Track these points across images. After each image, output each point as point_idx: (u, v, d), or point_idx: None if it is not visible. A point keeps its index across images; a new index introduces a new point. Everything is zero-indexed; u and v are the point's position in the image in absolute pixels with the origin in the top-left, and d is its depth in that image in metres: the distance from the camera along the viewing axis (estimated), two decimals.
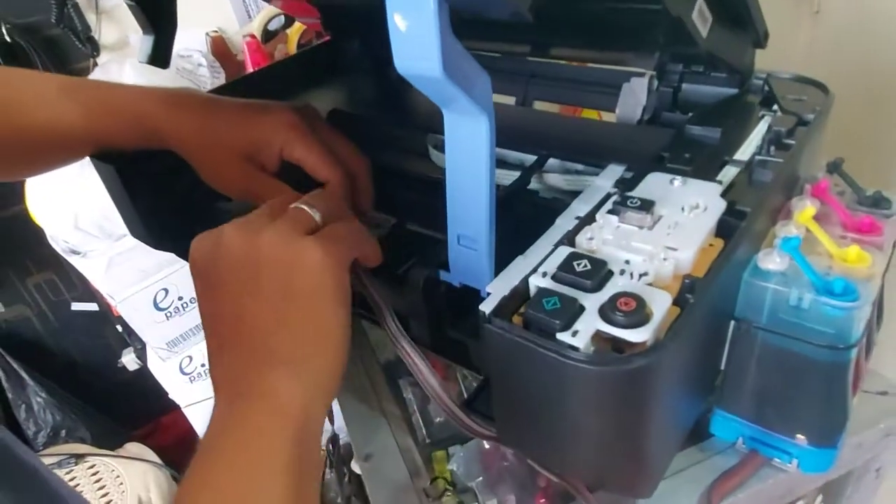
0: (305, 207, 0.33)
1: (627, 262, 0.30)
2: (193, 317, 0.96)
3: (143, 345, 1.04)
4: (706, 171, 0.39)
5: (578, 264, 0.30)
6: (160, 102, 0.45)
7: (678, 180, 0.36)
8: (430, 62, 0.27)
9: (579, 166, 0.51)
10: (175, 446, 1.28)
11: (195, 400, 1.01)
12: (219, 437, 0.30)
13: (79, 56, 1.11)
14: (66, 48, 1.10)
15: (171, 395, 1.02)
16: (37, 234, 0.95)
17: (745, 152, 0.40)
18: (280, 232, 0.31)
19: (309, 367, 0.31)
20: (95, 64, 1.11)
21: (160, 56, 0.48)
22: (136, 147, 0.47)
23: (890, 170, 0.70)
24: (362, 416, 0.61)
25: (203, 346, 0.98)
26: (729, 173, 0.38)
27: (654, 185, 0.36)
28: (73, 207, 0.86)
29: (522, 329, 0.28)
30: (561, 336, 0.27)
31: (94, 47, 1.10)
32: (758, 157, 0.39)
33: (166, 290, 0.90)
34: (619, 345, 0.27)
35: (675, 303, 0.28)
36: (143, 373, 1.15)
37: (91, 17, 1.09)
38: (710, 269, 0.30)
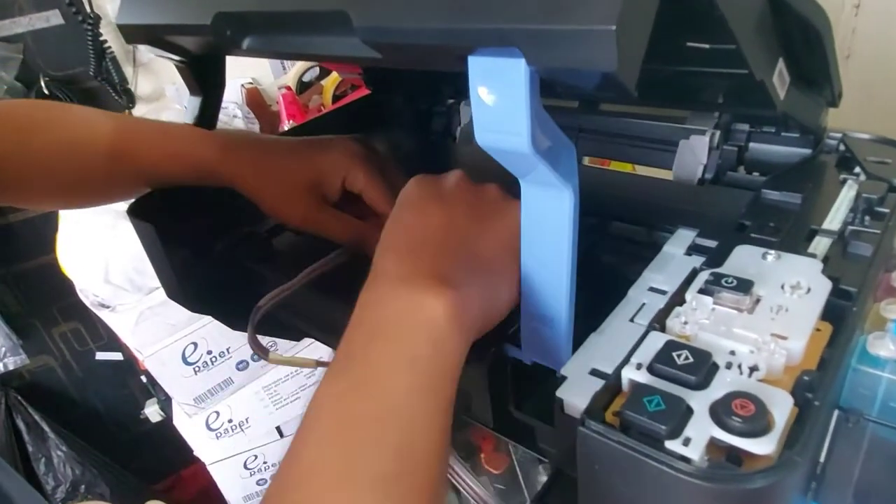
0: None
1: (733, 352, 0.27)
2: (222, 371, 0.93)
3: (167, 396, 1.01)
4: (795, 242, 0.36)
5: (679, 355, 0.27)
6: (218, 146, 0.46)
7: (771, 255, 0.33)
8: (519, 137, 0.25)
9: (640, 229, 0.49)
10: (196, 501, 1.24)
11: (221, 457, 0.97)
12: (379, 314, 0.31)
13: (115, 107, 1.12)
14: (103, 99, 1.12)
15: (196, 452, 0.99)
16: (65, 284, 0.94)
17: (833, 221, 0.37)
18: (499, 190, 0.36)
19: (493, 294, 0.33)
20: (131, 115, 1.12)
21: (207, 117, 0.47)
22: (194, 184, 0.48)
23: None
24: None
25: (230, 401, 0.95)
26: (821, 245, 0.35)
27: (744, 259, 0.33)
28: (104, 260, 0.85)
29: (623, 434, 0.25)
30: (670, 445, 0.24)
31: (129, 98, 1.12)
32: (850, 228, 0.36)
33: (195, 345, 0.88)
34: (732, 452, 0.24)
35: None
36: (166, 424, 1.12)
37: (128, 70, 1.11)
38: (827, 362, 0.27)
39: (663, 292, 0.37)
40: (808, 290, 0.30)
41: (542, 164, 0.27)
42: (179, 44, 0.41)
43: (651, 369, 0.27)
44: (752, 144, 0.47)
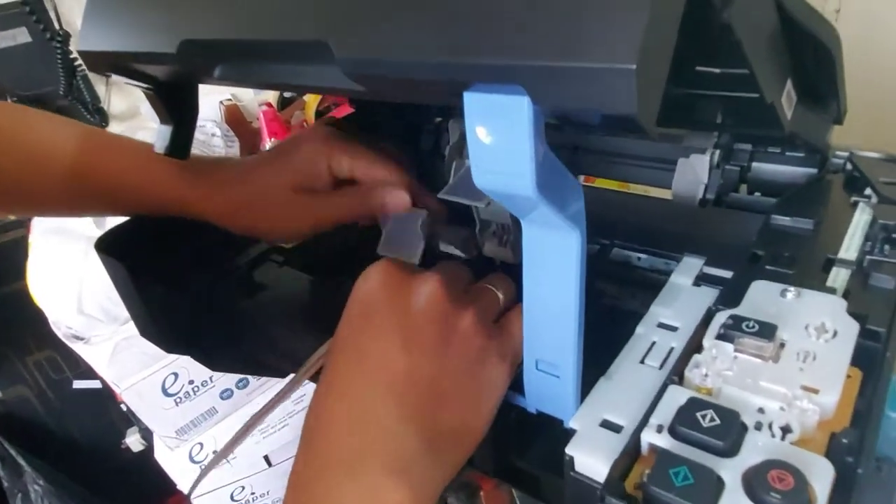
0: (493, 289, 0.33)
1: (761, 410, 0.25)
2: (205, 401, 0.89)
3: None
4: (811, 273, 0.34)
5: (704, 416, 0.24)
6: (187, 180, 0.43)
7: (791, 292, 0.31)
8: (522, 180, 0.23)
9: (642, 255, 0.47)
10: None
11: (206, 490, 0.93)
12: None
13: None
14: (75, 119, 1.08)
15: (178, 486, 0.95)
16: (38, 311, 0.90)
17: (849, 249, 0.35)
18: (480, 318, 0.30)
19: (458, 463, 0.29)
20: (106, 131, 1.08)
21: (179, 147, 0.44)
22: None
23: None
24: None
25: (214, 431, 0.92)
26: (840, 277, 0.33)
27: (761, 296, 0.31)
28: (76, 290, 0.81)
29: None
30: None
31: (102, 117, 1.08)
32: (869, 257, 0.34)
33: (176, 375, 0.85)
34: None
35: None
36: (148, 454, 1.08)
37: (100, 88, 1.07)
38: (862, 415, 0.25)
39: (673, 328, 0.34)
40: (835, 333, 0.28)
41: (546, 207, 0.24)
42: (146, 71, 0.38)
43: (674, 432, 0.24)
44: (754, 164, 0.45)
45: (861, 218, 0.37)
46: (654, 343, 0.33)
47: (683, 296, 0.37)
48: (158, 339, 0.50)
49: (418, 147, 0.64)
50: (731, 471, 0.22)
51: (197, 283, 0.48)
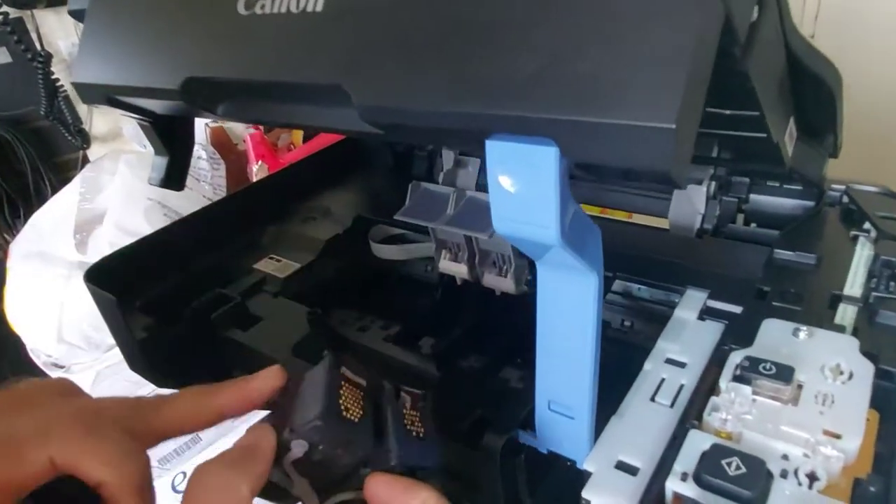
0: None
1: (785, 456, 0.25)
2: None
3: None
4: (819, 310, 0.34)
5: (729, 464, 0.24)
6: None
7: (803, 331, 0.31)
8: (546, 230, 0.22)
9: (643, 288, 0.47)
10: None
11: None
12: None
13: (68, 148, 1.06)
14: (56, 140, 1.05)
15: None
16: (15, 339, 0.87)
17: (853, 286, 0.35)
18: None
19: None
20: (86, 156, 1.06)
21: (175, 178, 0.43)
22: None
23: None
24: None
25: (198, 460, 0.89)
26: (847, 314, 0.33)
27: (774, 336, 0.31)
28: (56, 317, 0.79)
29: None
30: None
31: (84, 139, 1.06)
32: (875, 294, 0.34)
33: None
34: None
35: None
36: None
37: (82, 109, 1.05)
38: (885, 459, 0.25)
39: (682, 364, 0.34)
40: (850, 374, 0.28)
41: (568, 255, 0.24)
42: (141, 105, 0.37)
43: (699, 481, 0.24)
44: (752, 196, 0.46)
45: (863, 253, 0.37)
46: (663, 380, 0.33)
47: (689, 330, 0.37)
48: (148, 373, 0.49)
49: (411, 173, 0.64)
50: None
51: (188, 313, 0.47)
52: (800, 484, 0.23)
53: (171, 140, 0.42)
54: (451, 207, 0.44)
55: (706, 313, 0.39)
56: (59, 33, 1.01)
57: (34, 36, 0.97)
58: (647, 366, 0.34)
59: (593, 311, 0.27)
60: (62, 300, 0.80)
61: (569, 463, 0.33)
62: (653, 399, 0.32)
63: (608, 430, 0.30)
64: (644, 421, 0.30)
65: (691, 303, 0.39)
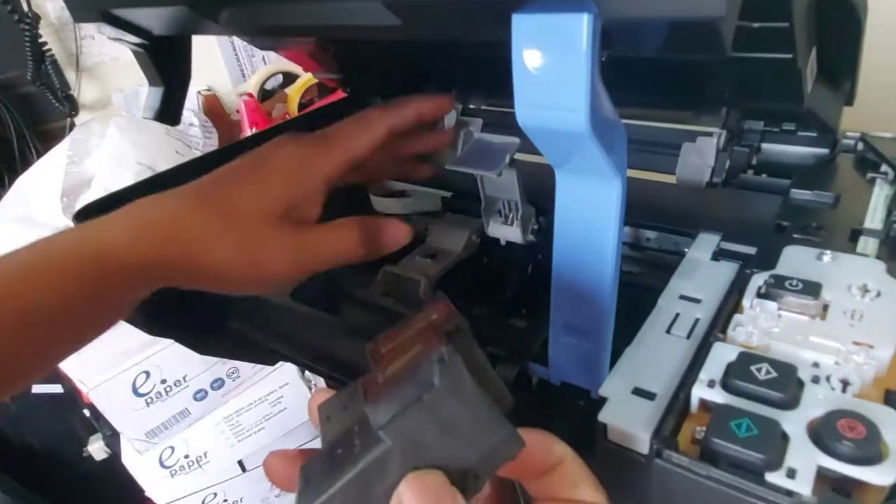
0: None
1: (816, 364, 0.23)
2: (177, 402, 0.85)
3: (114, 431, 0.92)
4: (840, 242, 0.33)
5: (758, 369, 0.23)
6: (120, 225, 0.28)
7: (828, 255, 0.30)
8: (575, 113, 0.21)
9: (652, 234, 0.46)
10: None
11: (176, 497, 0.89)
12: None
13: (55, 115, 1.03)
14: (42, 106, 1.02)
15: (147, 493, 0.89)
16: None
17: (873, 220, 0.34)
18: None
19: None
20: (73, 123, 1.03)
21: (170, 111, 0.41)
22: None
23: None
24: None
25: (186, 434, 0.87)
26: (870, 245, 0.32)
27: (797, 260, 0.30)
28: None
29: (713, 468, 0.20)
30: (773, 478, 0.19)
31: (72, 106, 1.03)
32: (893, 226, 0.33)
33: (148, 374, 0.80)
34: (842, 486, 0.20)
35: None
36: (112, 462, 1.02)
37: (70, 75, 1.03)
38: None
39: (697, 300, 0.33)
40: (879, 293, 0.27)
41: (595, 149, 0.23)
42: (138, 22, 0.36)
43: (727, 386, 0.23)
44: (764, 145, 0.45)
45: (882, 192, 0.37)
46: (678, 314, 0.32)
47: (703, 269, 0.36)
48: (141, 321, 0.47)
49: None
50: (794, 423, 0.21)
51: None
52: (833, 389, 0.22)
53: (167, 68, 0.40)
54: (459, 148, 0.42)
55: (720, 255, 0.38)
56: None
57: None
58: (661, 302, 0.33)
59: (615, 220, 0.26)
60: None
61: (581, 402, 0.32)
62: (668, 331, 0.31)
63: (623, 359, 0.29)
64: (660, 351, 0.29)
65: (704, 245, 0.39)
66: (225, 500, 0.93)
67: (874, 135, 0.42)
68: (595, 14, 0.19)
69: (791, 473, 0.19)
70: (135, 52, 0.40)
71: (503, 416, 0.19)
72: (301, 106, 0.92)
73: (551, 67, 0.21)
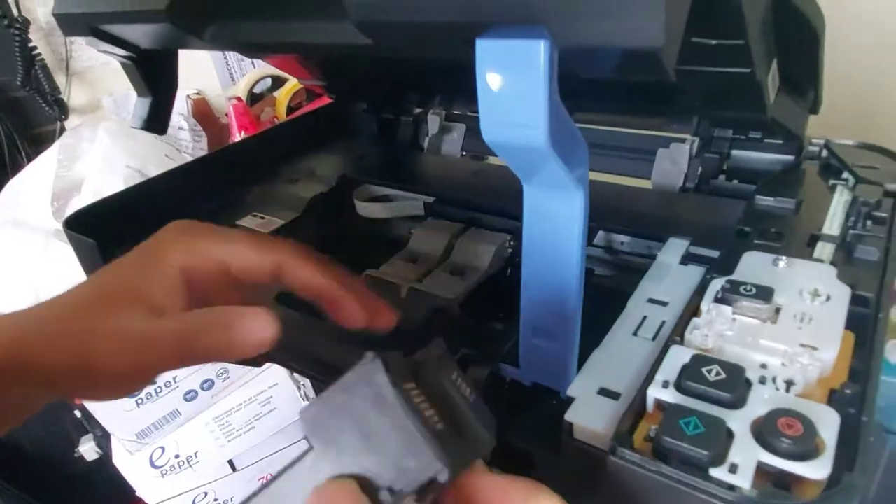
0: None
1: (764, 366, 0.25)
2: (168, 402, 0.86)
3: (105, 431, 0.93)
4: (798, 248, 0.34)
5: (709, 371, 0.24)
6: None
7: (783, 261, 0.31)
8: (534, 130, 0.22)
9: (625, 238, 0.47)
10: None
11: (166, 497, 0.89)
12: None
13: (46, 119, 1.04)
14: (33, 111, 1.03)
15: (138, 493, 0.90)
16: None
17: (832, 226, 0.36)
18: None
19: None
20: (63, 128, 1.04)
21: (158, 120, 0.42)
22: None
23: None
24: None
25: (176, 435, 0.88)
26: (826, 251, 0.34)
27: (754, 266, 0.32)
28: (33, 287, 0.77)
29: (661, 464, 0.22)
30: (716, 472, 0.21)
31: (62, 110, 1.04)
32: (852, 232, 0.35)
33: None
34: (781, 480, 0.22)
35: None
36: (103, 463, 1.02)
37: (60, 79, 1.03)
38: (861, 372, 0.25)
39: (664, 303, 0.34)
40: (828, 297, 0.28)
41: (555, 163, 0.24)
42: (125, 37, 0.37)
43: (680, 387, 0.24)
44: (734, 152, 0.46)
45: (841, 198, 0.38)
46: (645, 317, 0.33)
47: (672, 273, 0.37)
48: None
49: (395, 139, 0.64)
50: (739, 421, 0.22)
51: None
52: (777, 389, 0.24)
53: (155, 80, 0.41)
54: None
55: (688, 259, 0.39)
56: (37, 0, 0.99)
57: (11, 1, 0.95)
58: (630, 305, 0.35)
59: (579, 230, 0.27)
60: (39, 270, 0.78)
61: (554, 401, 0.33)
62: (635, 334, 0.32)
63: (591, 361, 0.31)
64: (626, 353, 0.30)
65: (674, 249, 0.40)
66: (216, 500, 0.94)
67: (838, 142, 0.44)
68: (550, 41, 0.20)
69: (733, 469, 0.21)
70: (123, 65, 0.41)
71: (434, 438, 0.18)
72: (290, 109, 0.93)
73: (512, 88, 0.22)
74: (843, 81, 0.51)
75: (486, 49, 0.22)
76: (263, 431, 0.93)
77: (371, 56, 0.46)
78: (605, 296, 0.38)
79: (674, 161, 0.49)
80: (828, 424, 0.22)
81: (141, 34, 0.35)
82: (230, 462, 0.93)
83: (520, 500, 0.20)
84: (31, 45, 0.97)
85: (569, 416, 0.27)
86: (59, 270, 0.78)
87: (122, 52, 0.39)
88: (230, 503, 0.94)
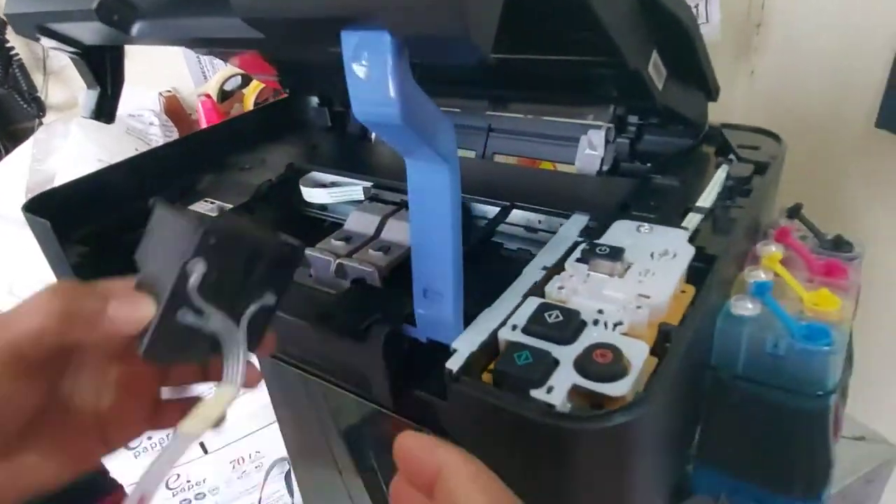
0: None
1: (601, 311, 0.29)
2: None
3: None
4: (671, 218, 0.38)
5: (550, 315, 0.28)
6: None
7: (645, 227, 0.35)
8: (390, 108, 0.26)
9: (542, 217, 0.51)
10: None
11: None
12: None
13: (24, 116, 1.08)
14: (11, 108, 1.07)
15: (112, 474, 0.94)
16: None
17: (706, 199, 0.40)
18: None
19: None
20: (41, 124, 1.07)
21: (105, 111, 0.46)
22: None
23: (832, 216, 0.72)
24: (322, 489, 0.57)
25: None
26: (693, 220, 0.38)
27: (621, 232, 0.36)
28: (7, 271, 0.81)
29: (492, 387, 0.26)
30: (535, 393, 0.25)
31: (39, 107, 1.07)
32: (720, 204, 0.39)
33: None
34: (597, 400, 0.26)
35: (653, 352, 0.27)
36: None
37: (38, 77, 1.07)
38: (686, 316, 0.29)
39: None
40: (674, 255, 0.32)
41: (418, 139, 0.28)
42: (69, 34, 0.41)
43: (525, 329, 0.28)
44: (645, 137, 0.50)
45: (720, 176, 0.42)
46: (535, 282, 0.37)
47: (566, 244, 0.41)
48: None
49: (346, 131, 0.68)
50: (567, 354, 0.26)
51: (121, 247, 0.50)
52: (606, 329, 0.28)
53: (102, 73, 0.45)
54: None
55: (585, 232, 0.43)
56: None
57: None
58: (526, 271, 0.39)
59: (450, 200, 0.31)
60: (13, 258, 0.82)
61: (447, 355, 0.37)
62: (524, 296, 0.36)
63: (479, 318, 0.34)
64: (508, 310, 0.34)
65: (574, 224, 0.44)
66: (188, 482, 0.97)
67: (731, 126, 0.48)
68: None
69: (549, 390, 0.25)
70: (73, 59, 0.45)
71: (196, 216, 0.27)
72: (257, 105, 0.96)
73: (370, 73, 0.26)
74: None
75: (348, 40, 0.26)
76: (235, 415, 0.97)
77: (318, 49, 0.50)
78: (518, 267, 0.42)
79: (592, 146, 0.53)
80: (636, 353, 0.26)
81: (81, 31, 0.39)
82: (202, 444, 0.96)
83: (419, 448, 0.22)
84: (8, 45, 1.00)
85: (450, 364, 0.31)
86: (34, 258, 0.81)
87: (69, 49, 0.42)
88: (202, 484, 0.98)
